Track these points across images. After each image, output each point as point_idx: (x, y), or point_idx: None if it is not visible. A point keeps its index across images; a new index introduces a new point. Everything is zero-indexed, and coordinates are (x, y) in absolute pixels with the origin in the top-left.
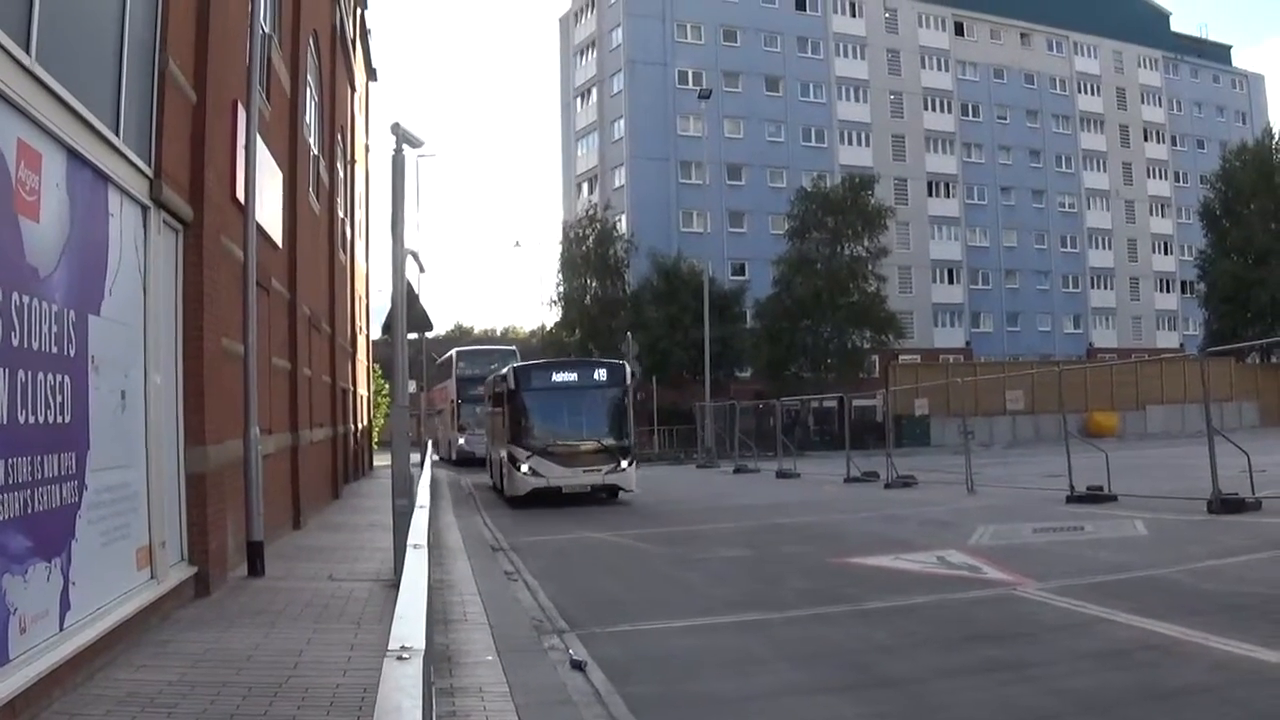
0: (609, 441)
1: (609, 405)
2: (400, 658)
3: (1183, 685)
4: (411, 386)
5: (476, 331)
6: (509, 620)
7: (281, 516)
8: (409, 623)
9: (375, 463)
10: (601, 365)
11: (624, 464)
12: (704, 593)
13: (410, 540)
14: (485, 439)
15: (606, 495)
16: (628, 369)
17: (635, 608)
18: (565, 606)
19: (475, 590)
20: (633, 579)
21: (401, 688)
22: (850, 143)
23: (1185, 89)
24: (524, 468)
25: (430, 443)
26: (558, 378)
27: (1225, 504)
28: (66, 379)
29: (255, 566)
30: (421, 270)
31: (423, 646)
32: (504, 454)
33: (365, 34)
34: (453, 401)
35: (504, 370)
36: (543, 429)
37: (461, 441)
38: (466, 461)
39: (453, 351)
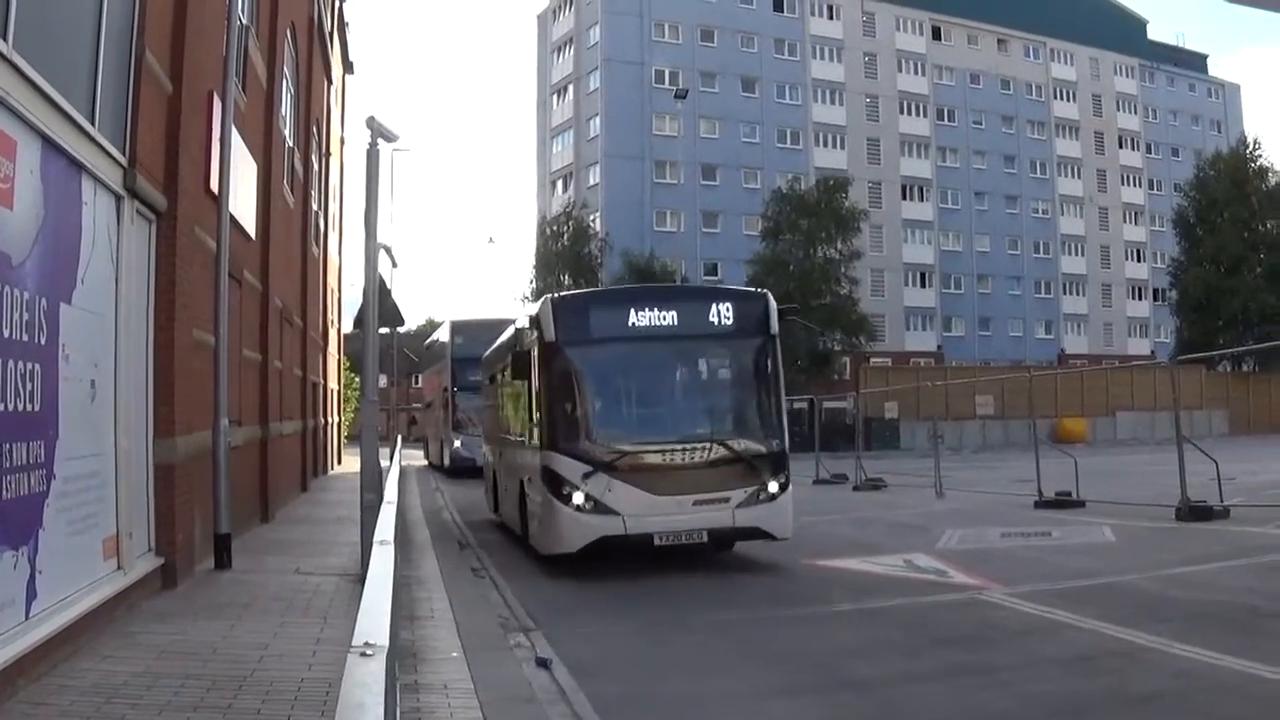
0: (743, 444)
1: (740, 373)
2: (364, 654)
3: (1148, 692)
4: (382, 381)
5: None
6: (475, 617)
7: (250, 509)
8: (373, 619)
9: (344, 459)
10: (723, 296)
11: (773, 486)
12: (672, 592)
13: (376, 536)
14: (485, 439)
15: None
16: (770, 305)
17: (600, 607)
18: (531, 605)
19: (442, 586)
20: (605, 574)
21: (364, 684)
22: (825, 145)
23: (1161, 97)
24: (578, 498)
25: (424, 447)
26: (640, 319)
27: (1194, 511)
28: (37, 367)
29: (222, 559)
30: (394, 265)
31: (386, 643)
32: (531, 470)
33: (343, 27)
34: (446, 390)
35: (532, 311)
36: (613, 421)
37: (458, 444)
38: (464, 471)
39: (446, 323)
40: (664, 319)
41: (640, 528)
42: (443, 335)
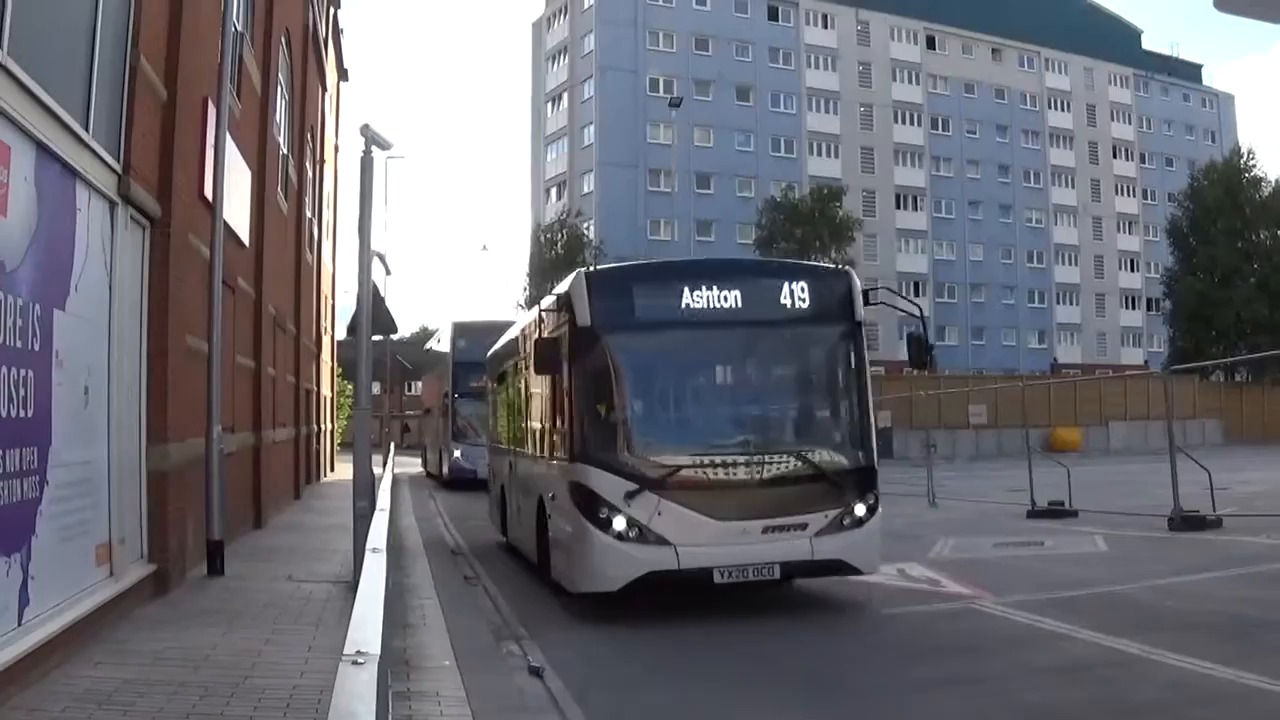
0: (825, 456)
1: (818, 368)
2: (355, 662)
3: (1141, 702)
4: (375, 388)
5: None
6: (468, 625)
7: (242, 516)
8: (365, 627)
9: (337, 466)
10: (798, 273)
11: (859, 509)
12: (664, 603)
13: (369, 544)
14: (491, 450)
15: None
16: (855, 284)
17: (593, 615)
18: (524, 612)
19: (434, 594)
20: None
21: (356, 693)
22: (819, 154)
23: (1155, 107)
24: (618, 523)
25: (423, 455)
26: (697, 299)
27: (1186, 521)
28: (30, 373)
29: (215, 565)
30: (388, 272)
31: (378, 652)
32: (556, 487)
33: (338, 33)
34: (446, 396)
35: (562, 287)
36: (663, 426)
37: (458, 454)
38: (463, 483)
39: (450, 324)
40: (726, 300)
41: (697, 561)
42: (443, 338)
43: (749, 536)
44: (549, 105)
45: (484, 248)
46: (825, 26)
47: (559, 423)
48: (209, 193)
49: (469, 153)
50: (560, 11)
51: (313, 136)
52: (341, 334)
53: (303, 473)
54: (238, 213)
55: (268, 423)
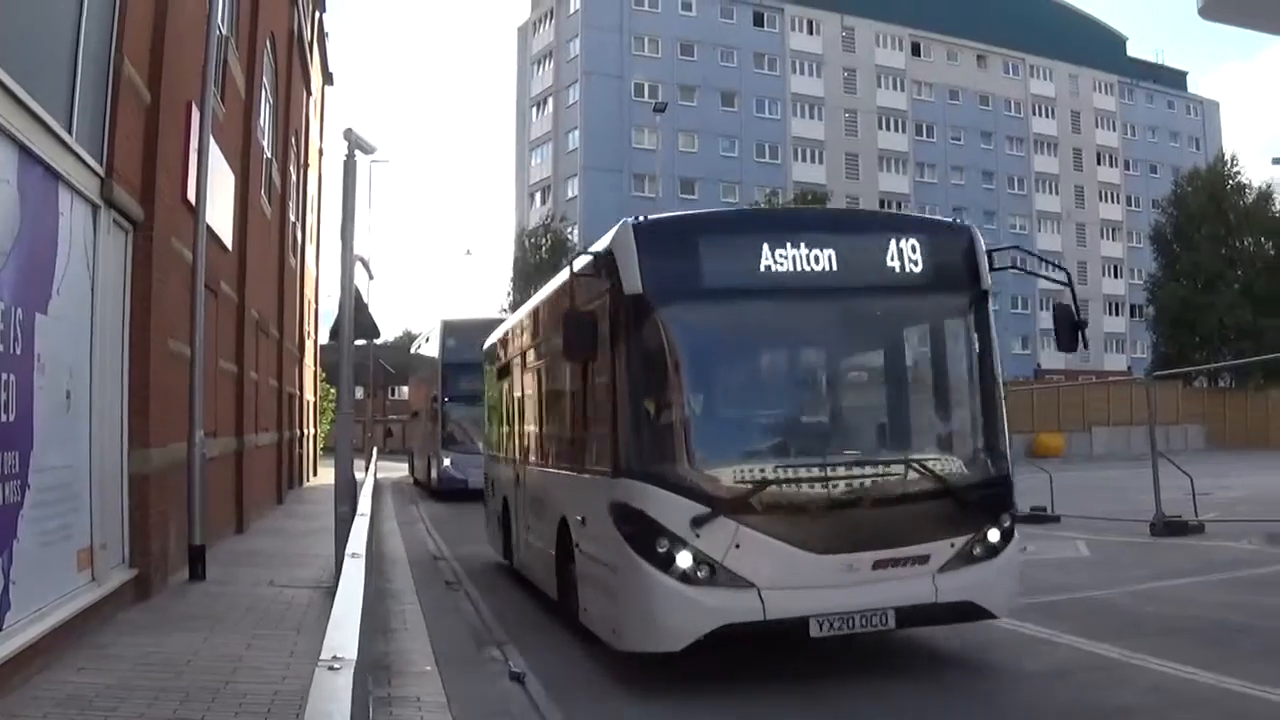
0: (950, 466)
1: (938, 350)
2: (332, 668)
3: (1122, 706)
4: (359, 393)
5: None
6: (449, 630)
7: (224, 520)
8: (342, 632)
9: (320, 471)
10: (908, 228)
11: (992, 534)
12: None
13: (348, 549)
14: (491, 457)
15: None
16: (979, 243)
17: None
18: (505, 617)
19: (416, 598)
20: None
21: (332, 698)
22: (804, 159)
23: (1140, 114)
24: (683, 559)
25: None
26: (780, 260)
27: (1168, 526)
28: (12, 377)
29: (197, 570)
30: (370, 276)
31: (354, 657)
32: (589, 509)
33: (323, 37)
34: (435, 400)
35: (601, 243)
36: (740, 428)
37: (448, 463)
38: (454, 494)
39: (439, 322)
40: (819, 260)
41: (787, 608)
42: (432, 337)
43: (855, 574)
44: (534, 110)
45: (468, 252)
46: (810, 33)
47: (593, 425)
48: (192, 196)
49: (453, 157)
50: (546, 16)
51: (297, 140)
52: (324, 338)
53: (285, 477)
54: (221, 216)
55: (250, 427)
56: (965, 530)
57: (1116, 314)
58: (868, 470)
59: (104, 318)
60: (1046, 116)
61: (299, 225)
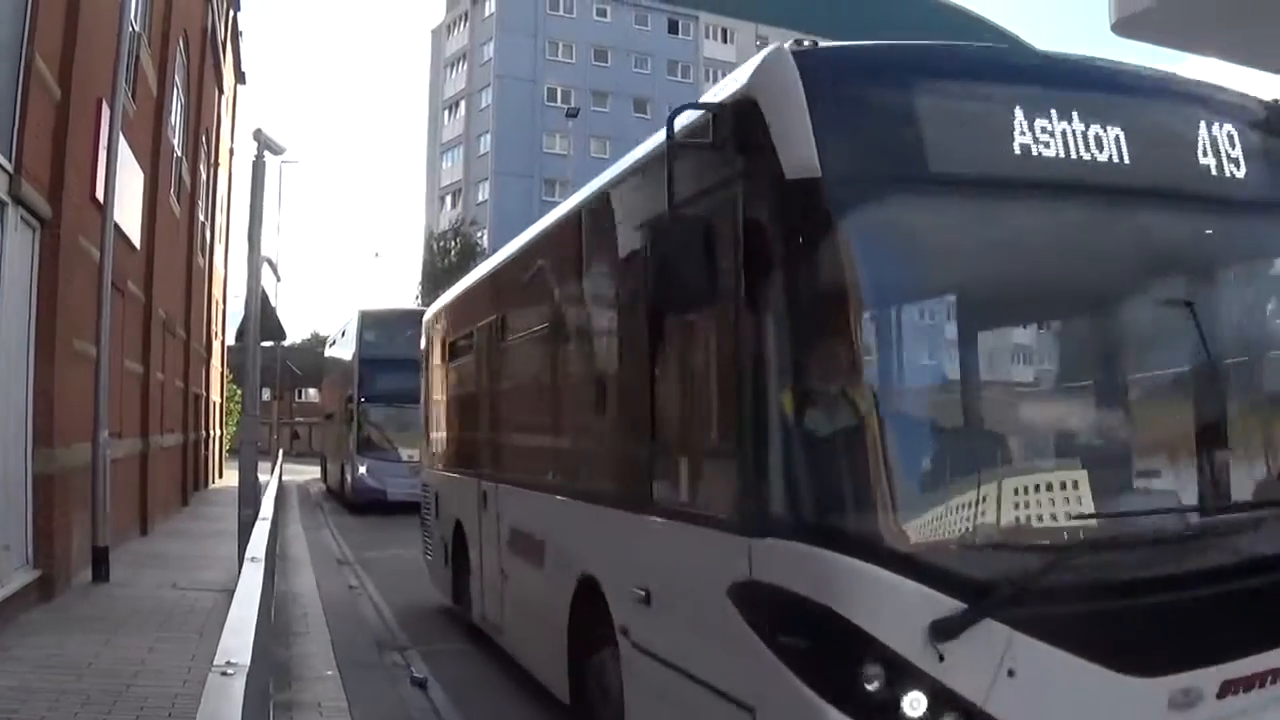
0: None
1: None
2: (225, 673)
3: None
4: (265, 395)
5: None
6: (352, 634)
7: (129, 522)
8: (237, 637)
9: (225, 473)
10: (1229, 105)
11: None
12: None
13: (248, 553)
14: (437, 466)
15: None
16: None
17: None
18: (408, 622)
19: (319, 602)
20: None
21: (225, 704)
22: None
23: None
24: (914, 704)
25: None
26: (1045, 137)
27: None
28: None
29: (101, 572)
30: (278, 278)
31: (248, 662)
32: (673, 576)
33: (236, 36)
34: (351, 400)
35: (732, 83)
36: (1001, 441)
37: (363, 470)
38: (371, 505)
39: (356, 313)
40: (1112, 142)
41: None
42: (348, 330)
43: (1200, 708)
44: (446, 113)
45: (377, 255)
46: (725, 41)
47: (679, 429)
48: (100, 194)
49: (365, 159)
50: (460, 19)
51: (207, 139)
52: (232, 339)
53: (191, 479)
54: (129, 215)
55: (156, 428)
56: None
57: None
58: (1233, 520)
59: (9, 316)
60: None
61: (208, 225)
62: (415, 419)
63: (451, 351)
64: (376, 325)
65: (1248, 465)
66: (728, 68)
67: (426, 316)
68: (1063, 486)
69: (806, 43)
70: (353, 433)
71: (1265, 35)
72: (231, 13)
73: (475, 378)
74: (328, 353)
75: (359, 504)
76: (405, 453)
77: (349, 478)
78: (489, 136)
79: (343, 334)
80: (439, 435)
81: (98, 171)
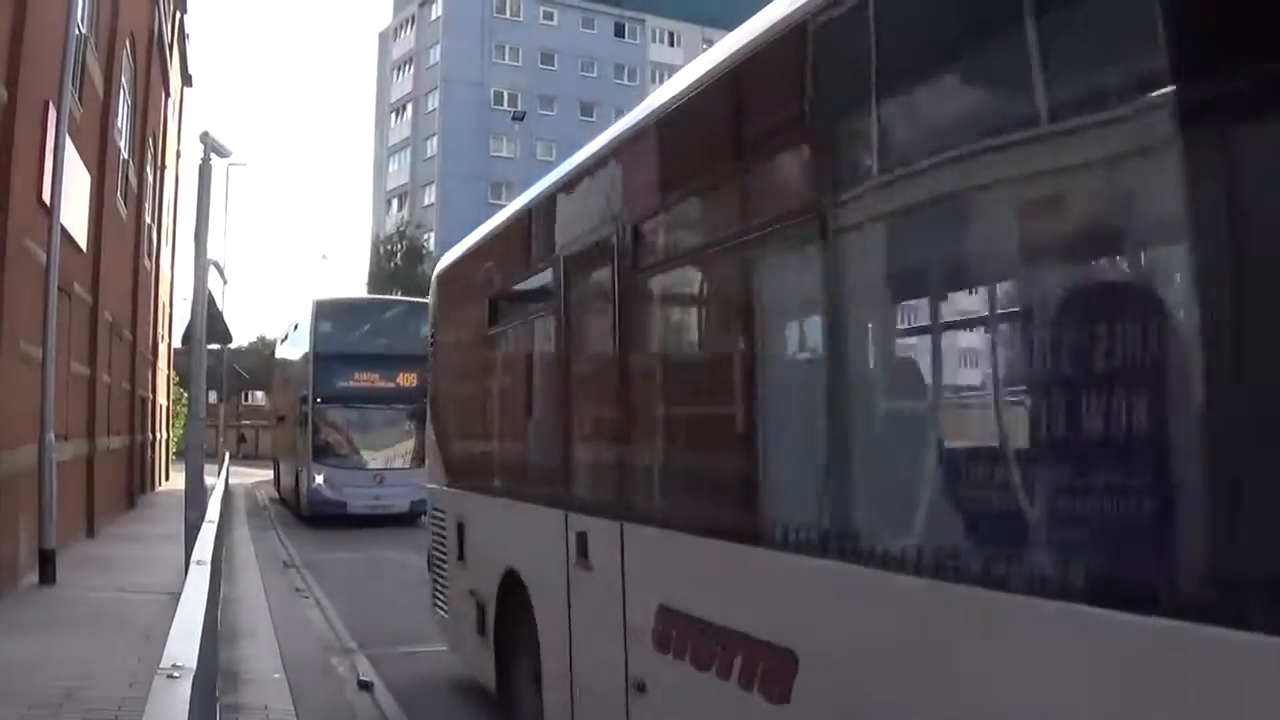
0: None
1: None
2: (171, 676)
3: None
4: (212, 397)
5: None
6: (298, 638)
7: (75, 525)
8: (183, 641)
9: (172, 475)
10: None
11: None
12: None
13: (194, 556)
14: (463, 488)
15: None
16: None
17: (427, 630)
18: (355, 626)
19: (265, 605)
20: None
21: (171, 707)
22: None
23: None
24: None
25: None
26: None
27: None
28: None
29: (47, 575)
30: (224, 281)
31: (194, 665)
32: None
33: (183, 39)
34: (305, 401)
35: None
36: None
37: (319, 480)
38: (327, 519)
39: (310, 303)
40: None
41: None
42: (301, 324)
43: None
44: (393, 116)
45: (324, 257)
46: (671, 44)
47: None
48: (47, 197)
49: (313, 161)
50: (407, 22)
51: (154, 142)
52: (179, 341)
53: (137, 481)
54: (76, 218)
55: (102, 431)
56: None
57: None
58: None
59: None
60: None
61: (155, 228)
62: (380, 420)
63: (499, 313)
64: (333, 316)
65: None
66: (674, 71)
67: (443, 266)
68: None
69: None
70: (307, 437)
71: None
72: (178, 15)
73: (556, 351)
74: (279, 352)
75: (314, 517)
76: (369, 458)
77: (303, 487)
78: (436, 139)
79: (295, 328)
80: (466, 440)
81: (44, 174)
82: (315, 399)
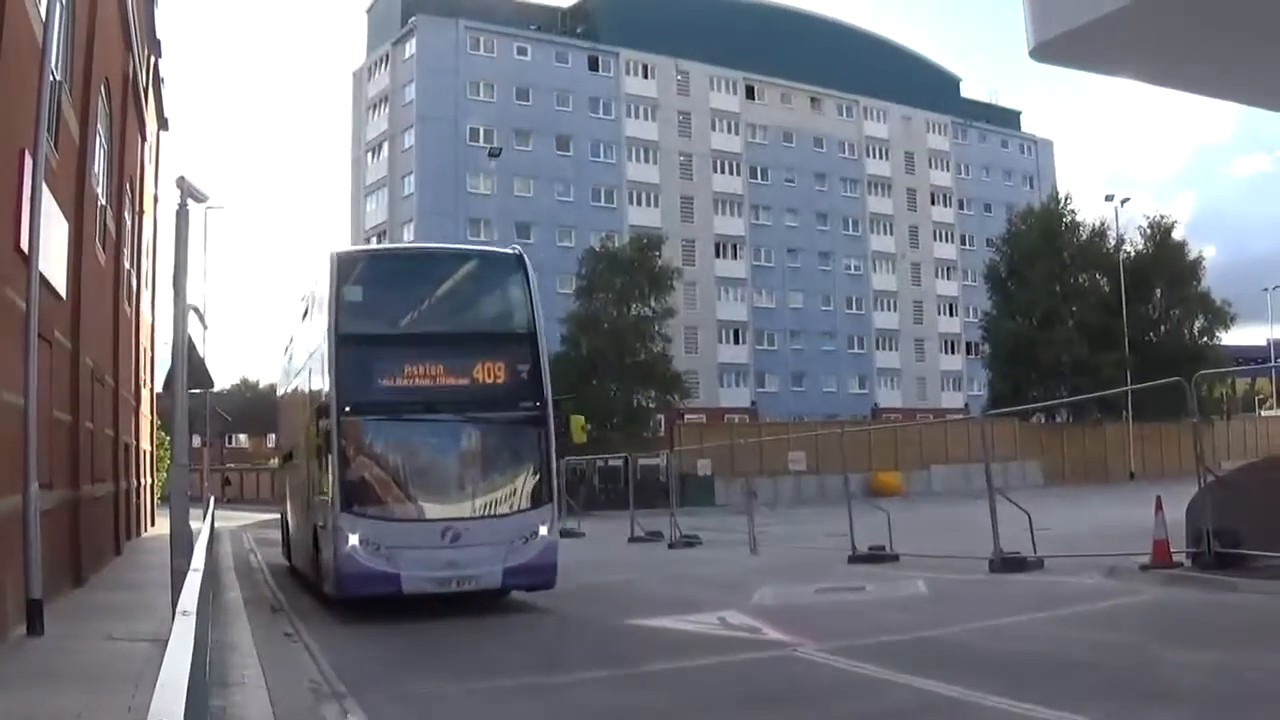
0: None
1: None
2: None
3: None
4: (195, 441)
5: (262, 387)
6: (288, 683)
7: (62, 574)
8: (169, 692)
9: (158, 521)
10: None
11: None
12: (485, 655)
13: (180, 606)
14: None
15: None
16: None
17: (413, 668)
18: (345, 668)
19: (254, 651)
20: (410, 636)
21: None
22: (639, 203)
23: (973, 153)
24: None
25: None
26: None
27: (1006, 563)
28: None
29: (34, 625)
30: (205, 326)
31: (181, 717)
32: None
33: (158, 82)
34: (324, 415)
35: None
36: None
37: (354, 540)
38: (367, 604)
39: (329, 256)
40: None
41: None
42: (316, 296)
43: None
44: (369, 155)
45: (304, 299)
46: (645, 76)
47: None
48: (25, 245)
49: (291, 203)
50: (381, 61)
51: (132, 187)
52: (160, 386)
53: (124, 528)
54: (55, 265)
55: (86, 478)
56: None
57: (952, 352)
58: None
59: None
60: (881, 158)
61: (134, 272)
62: (450, 440)
63: None
64: (366, 278)
65: None
66: (648, 103)
67: None
68: None
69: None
70: (330, 473)
71: (1182, 55)
72: (153, 59)
73: None
74: (253, 405)
75: (347, 599)
76: (432, 503)
77: (327, 554)
78: (412, 178)
79: (305, 315)
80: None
81: (22, 222)
82: (341, 409)
